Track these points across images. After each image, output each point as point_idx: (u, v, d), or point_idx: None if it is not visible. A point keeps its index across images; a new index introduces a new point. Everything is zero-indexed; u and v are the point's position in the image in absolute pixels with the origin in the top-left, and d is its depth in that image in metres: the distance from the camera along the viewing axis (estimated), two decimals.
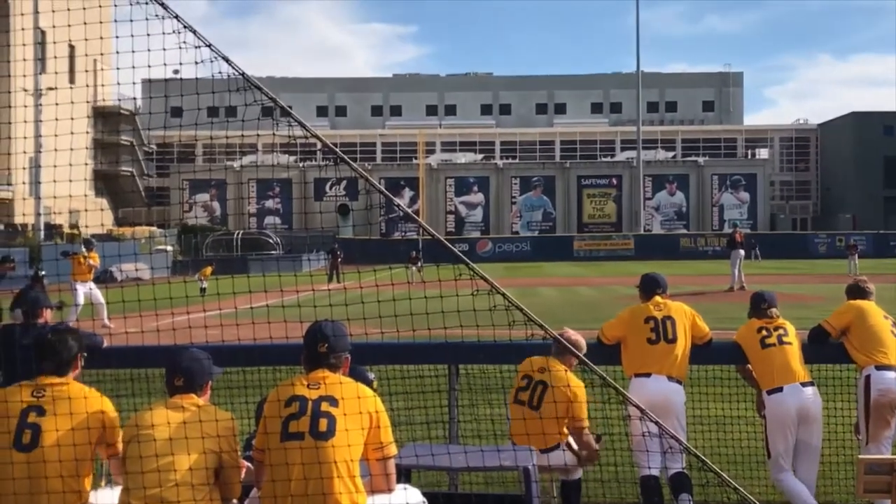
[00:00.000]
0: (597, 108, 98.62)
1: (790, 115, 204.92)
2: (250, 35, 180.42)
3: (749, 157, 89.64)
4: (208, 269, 36.60)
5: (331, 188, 77.72)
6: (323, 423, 4.66)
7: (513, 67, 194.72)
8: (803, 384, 6.98)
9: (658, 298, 7.56)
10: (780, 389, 6.95)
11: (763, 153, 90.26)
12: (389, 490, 4.84)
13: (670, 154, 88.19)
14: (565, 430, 6.74)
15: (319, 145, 5.11)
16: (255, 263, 47.31)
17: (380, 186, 4.98)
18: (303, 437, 4.63)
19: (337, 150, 5.25)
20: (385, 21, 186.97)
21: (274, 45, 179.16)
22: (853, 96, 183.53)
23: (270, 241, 63.57)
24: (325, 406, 4.71)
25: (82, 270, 21.41)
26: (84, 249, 21.81)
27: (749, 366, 7.31)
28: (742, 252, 33.76)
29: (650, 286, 7.67)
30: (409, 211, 5.15)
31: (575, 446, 6.78)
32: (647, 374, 7.13)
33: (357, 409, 4.73)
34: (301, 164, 78.25)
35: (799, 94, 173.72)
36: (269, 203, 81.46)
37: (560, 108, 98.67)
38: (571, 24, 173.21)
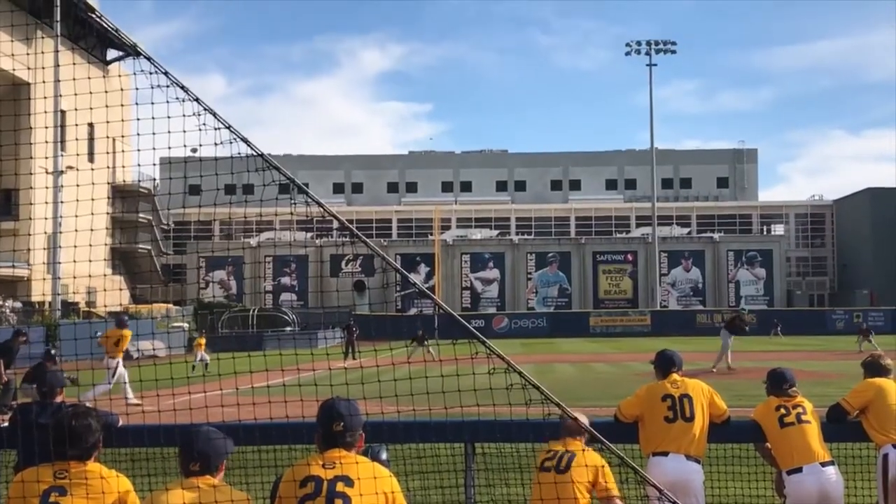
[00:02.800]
0: (611, 185, 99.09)
1: (805, 191, 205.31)
2: (267, 113, 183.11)
3: (764, 233, 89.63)
4: (202, 340, 35.95)
5: (347, 265, 77.94)
6: (339, 503, 4.61)
7: (527, 144, 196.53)
8: (823, 464, 6.87)
9: (675, 376, 7.51)
10: (799, 470, 6.85)
11: (779, 229, 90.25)
12: None
13: (685, 230, 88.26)
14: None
15: (336, 223, 5.16)
16: (271, 340, 47.33)
17: (395, 263, 5.01)
18: None
19: (352, 227, 5.29)
20: (401, 99, 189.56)
21: (291, 123, 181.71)
22: (868, 172, 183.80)
23: (286, 317, 63.60)
24: (340, 486, 4.66)
25: (112, 347, 21.41)
26: (115, 326, 21.87)
27: (768, 444, 7.23)
28: (731, 339, 30.12)
29: (666, 364, 7.63)
30: (424, 287, 5.16)
31: None
32: (665, 453, 7.05)
33: (373, 489, 4.67)
34: (318, 241, 78.64)
35: (813, 170, 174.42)
36: (286, 280, 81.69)
37: (575, 185, 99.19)
38: (585, 101, 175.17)
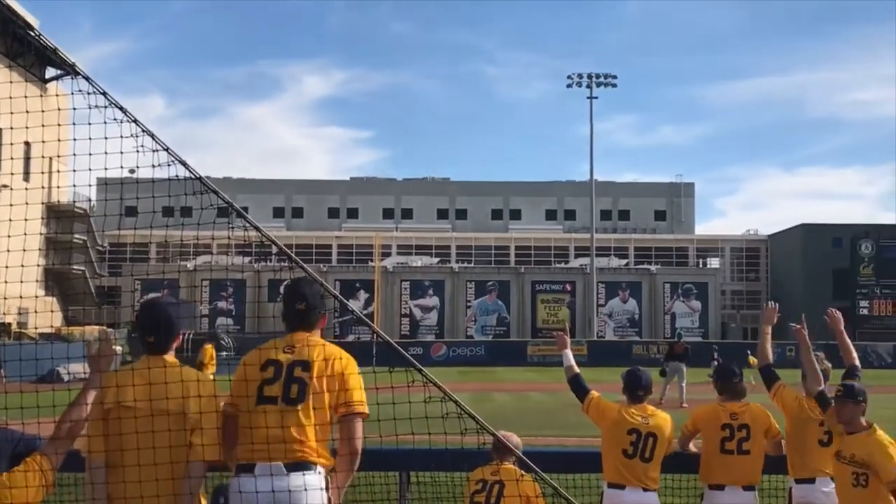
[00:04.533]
0: (551, 215, 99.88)
1: (740, 225, 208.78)
2: (208, 136, 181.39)
3: (700, 266, 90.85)
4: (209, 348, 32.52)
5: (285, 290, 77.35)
6: (294, 389, 4.84)
7: (469, 173, 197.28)
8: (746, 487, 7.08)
9: (648, 407, 7.42)
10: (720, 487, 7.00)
11: (714, 262, 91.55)
12: (353, 452, 4.85)
13: (623, 262, 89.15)
14: None
15: (275, 248, 5.17)
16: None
17: (332, 290, 5.02)
18: (276, 402, 4.83)
19: (291, 252, 5.28)
20: (342, 125, 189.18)
21: (232, 146, 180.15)
22: (801, 208, 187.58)
23: (222, 342, 62.83)
24: (297, 371, 4.89)
25: (209, 362, 21.56)
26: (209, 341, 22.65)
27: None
28: (682, 365, 30.32)
29: (632, 384, 7.46)
30: (362, 315, 5.17)
31: None
32: (622, 486, 7.05)
33: (326, 370, 4.90)
34: (256, 266, 77.99)
35: (749, 205, 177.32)
36: (222, 304, 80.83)
37: (515, 214, 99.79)
38: (527, 131, 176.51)
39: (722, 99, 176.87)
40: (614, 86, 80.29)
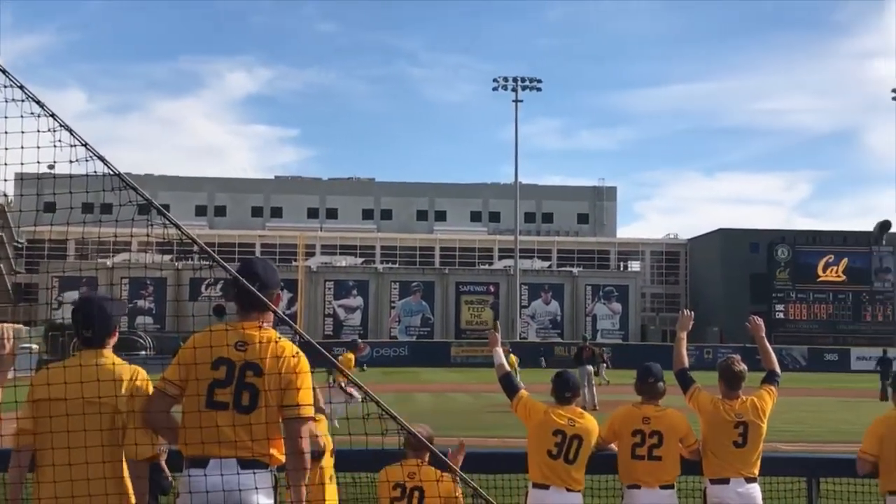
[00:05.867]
0: (476, 217, 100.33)
1: (661, 229, 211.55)
2: (129, 132, 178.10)
3: (621, 269, 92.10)
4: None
5: (206, 289, 76.46)
6: (246, 397, 4.78)
7: (395, 173, 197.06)
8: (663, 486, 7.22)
9: (577, 410, 7.45)
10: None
11: (635, 266, 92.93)
12: (300, 452, 4.85)
13: (546, 264, 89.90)
14: None
15: (196, 246, 5.09)
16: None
17: (253, 288, 4.96)
18: (227, 408, 4.77)
19: (211, 250, 5.21)
20: (267, 123, 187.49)
21: (153, 142, 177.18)
22: (720, 213, 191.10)
23: (141, 341, 61.88)
24: (249, 376, 4.81)
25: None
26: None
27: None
28: (590, 368, 30.62)
29: (560, 387, 7.49)
30: (284, 315, 5.13)
31: None
32: (546, 486, 7.11)
33: (277, 369, 4.83)
34: (177, 264, 76.92)
35: (669, 210, 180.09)
36: (142, 302, 79.56)
37: (440, 216, 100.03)
38: (453, 133, 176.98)
39: (644, 105, 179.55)
40: (539, 90, 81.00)
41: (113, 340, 5.20)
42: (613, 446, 7.50)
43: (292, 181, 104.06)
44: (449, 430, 18.31)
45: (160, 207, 5.09)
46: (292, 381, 4.85)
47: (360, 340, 33.84)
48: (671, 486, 7.29)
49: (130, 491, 4.87)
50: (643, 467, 7.22)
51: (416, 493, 6.45)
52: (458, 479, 5.82)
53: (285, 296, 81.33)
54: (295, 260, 78.15)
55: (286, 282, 79.85)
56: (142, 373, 5.04)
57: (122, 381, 4.88)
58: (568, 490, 7.06)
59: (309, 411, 4.92)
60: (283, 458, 4.88)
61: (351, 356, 24.50)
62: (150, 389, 4.97)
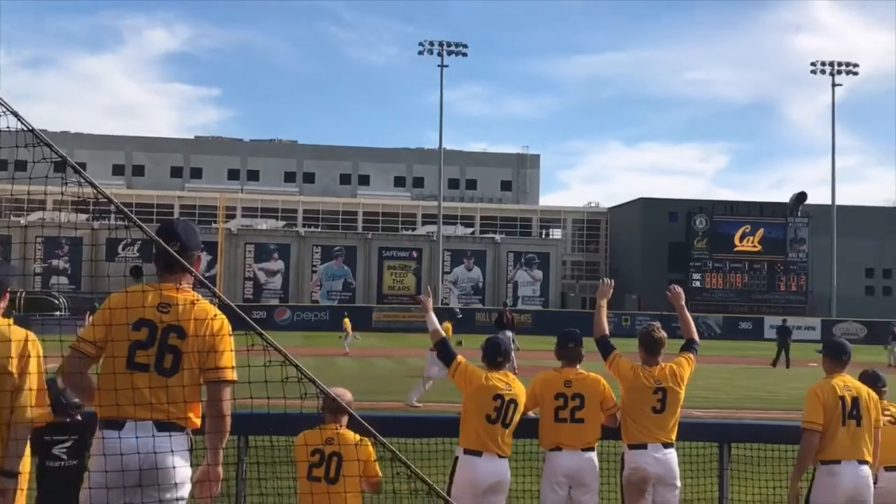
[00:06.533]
0: (400, 182, 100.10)
1: (584, 198, 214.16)
2: (46, 88, 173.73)
3: (543, 236, 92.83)
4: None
5: (124, 249, 75.18)
6: (168, 360, 4.78)
7: (318, 136, 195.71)
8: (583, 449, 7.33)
9: (509, 374, 7.56)
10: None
11: (556, 233, 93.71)
12: (220, 416, 4.90)
13: (469, 230, 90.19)
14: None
15: (113, 206, 4.97)
16: (38, 325, 45.03)
17: (172, 250, 4.88)
18: (147, 370, 4.75)
19: (128, 211, 5.10)
20: (187, 82, 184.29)
21: (71, 99, 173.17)
22: (640, 183, 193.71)
23: (56, 301, 60.70)
24: (172, 339, 4.81)
25: None
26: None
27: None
28: (510, 334, 30.14)
29: (491, 352, 7.61)
30: (203, 277, 5.05)
31: None
32: (479, 453, 7.16)
33: (199, 331, 4.84)
34: (94, 224, 75.38)
35: (591, 179, 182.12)
36: (58, 262, 77.87)
37: (364, 180, 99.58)
38: (377, 97, 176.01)
39: (568, 73, 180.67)
40: (465, 55, 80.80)
41: (3, 304, 5.08)
42: (532, 413, 7.58)
43: (213, 141, 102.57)
44: (370, 395, 18.33)
45: (75, 165, 4.96)
46: (215, 344, 4.84)
47: (458, 310, 35.15)
48: (592, 449, 7.40)
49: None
50: (566, 430, 7.32)
51: (335, 459, 6.44)
52: (376, 442, 5.82)
53: (204, 258, 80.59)
54: (215, 222, 77.11)
55: (206, 244, 79.40)
56: (32, 335, 4.93)
57: (10, 343, 4.77)
58: (499, 457, 7.14)
59: (231, 374, 4.90)
60: (198, 422, 4.85)
61: (448, 325, 24.60)
62: (40, 353, 4.88)
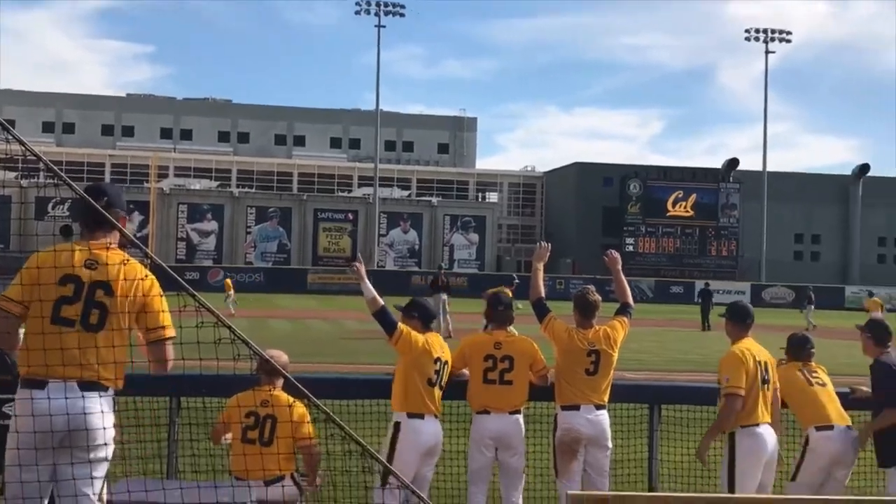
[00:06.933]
0: (336, 143, 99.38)
1: (519, 161, 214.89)
2: None
3: (480, 200, 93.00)
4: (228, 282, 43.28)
5: (53, 208, 73.80)
6: (94, 316, 4.74)
7: (253, 96, 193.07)
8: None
9: (440, 336, 7.71)
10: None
11: (493, 197, 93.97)
12: (164, 364, 5.01)
13: (406, 193, 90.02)
14: (290, 464, 6.66)
15: (42, 164, 4.87)
16: None
17: (99, 206, 4.79)
18: (73, 325, 4.71)
19: (58, 169, 5.00)
20: (120, 38, 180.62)
21: (0, 54, 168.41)
22: (576, 147, 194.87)
23: None
24: (99, 295, 4.76)
25: None
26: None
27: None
28: (445, 296, 30.83)
29: (425, 316, 7.72)
30: (133, 237, 4.98)
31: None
32: (422, 416, 7.21)
33: (129, 292, 4.81)
34: (22, 182, 73.79)
35: (528, 143, 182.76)
36: None
37: (299, 141, 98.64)
38: (313, 56, 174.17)
39: (506, 36, 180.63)
40: (402, 15, 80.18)
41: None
42: (465, 371, 7.63)
43: (145, 99, 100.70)
44: (305, 357, 18.31)
45: (3, 122, 4.84)
46: (149, 304, 4.83)
47: (515, 276, 35.90)
48: (519, 412, 7.48)
49: None
50: (494, 392, 7.39)
51: (269, 422, 6.45)
52: (310, 404, 5.81)
53: (136, 218, 79.00)
54: (146, 181, 75.90)
55: (137, 203, 77.79)
56: None
57: None
58: (435, 417, 7.22)
59: (171, 332, 4.91)
60: (122, 384, 4.84)
61: (509, 291, 24.53)
62: None
